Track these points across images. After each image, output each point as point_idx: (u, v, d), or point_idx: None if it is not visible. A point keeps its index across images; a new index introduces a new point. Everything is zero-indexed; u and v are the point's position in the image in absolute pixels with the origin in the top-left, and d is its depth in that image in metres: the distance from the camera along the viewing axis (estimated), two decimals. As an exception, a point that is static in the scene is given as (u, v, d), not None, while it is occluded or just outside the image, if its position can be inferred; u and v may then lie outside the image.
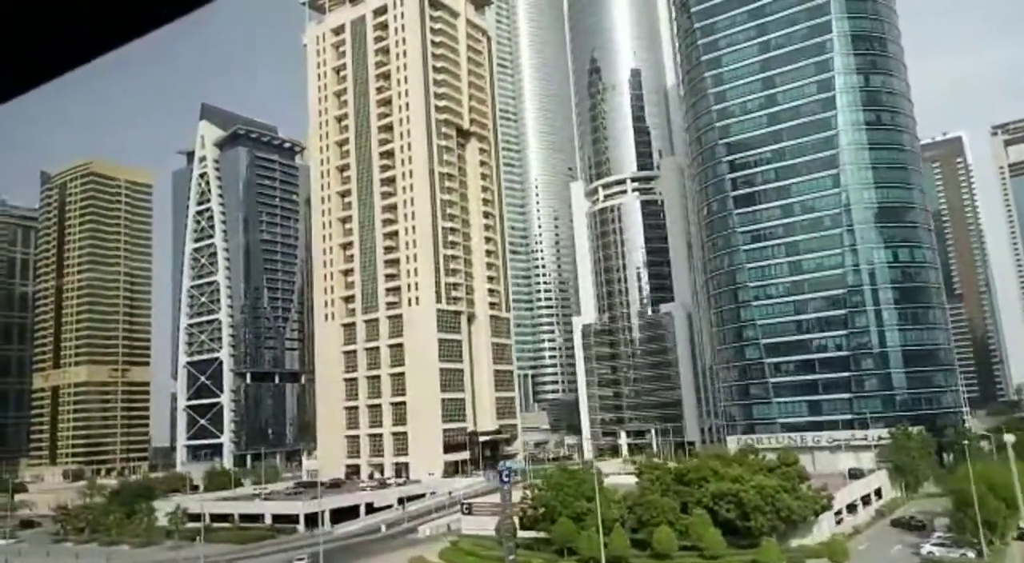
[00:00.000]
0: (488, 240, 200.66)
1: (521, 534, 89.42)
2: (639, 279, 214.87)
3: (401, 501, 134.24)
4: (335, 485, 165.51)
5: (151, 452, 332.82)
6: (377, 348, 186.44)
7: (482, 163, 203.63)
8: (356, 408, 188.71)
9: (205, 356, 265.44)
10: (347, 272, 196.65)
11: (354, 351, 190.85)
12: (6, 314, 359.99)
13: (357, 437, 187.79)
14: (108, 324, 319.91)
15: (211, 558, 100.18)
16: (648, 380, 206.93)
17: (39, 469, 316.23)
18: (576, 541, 77.54)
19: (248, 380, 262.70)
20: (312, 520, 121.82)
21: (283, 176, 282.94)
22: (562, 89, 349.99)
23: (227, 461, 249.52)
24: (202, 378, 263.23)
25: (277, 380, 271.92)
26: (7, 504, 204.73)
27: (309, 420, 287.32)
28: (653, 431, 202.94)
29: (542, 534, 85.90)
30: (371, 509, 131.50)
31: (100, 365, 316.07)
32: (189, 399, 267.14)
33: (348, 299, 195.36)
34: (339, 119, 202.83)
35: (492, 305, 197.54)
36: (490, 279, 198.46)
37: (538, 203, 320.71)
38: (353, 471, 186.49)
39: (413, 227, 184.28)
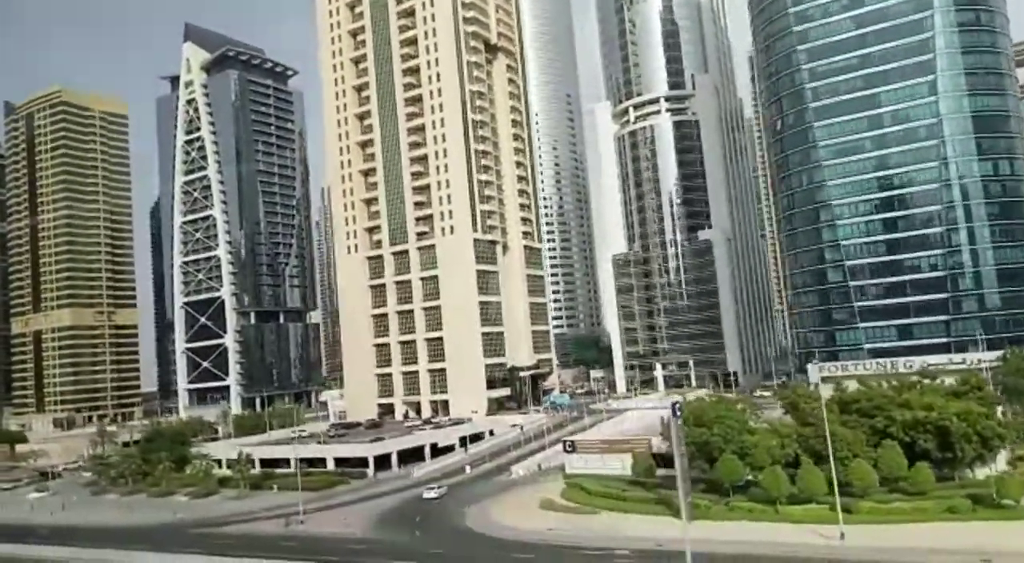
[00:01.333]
0: (519, 165, 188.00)
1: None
2: (672, 205, 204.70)
3: (464, 441, 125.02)
4: (375, 426, 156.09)
5: (142, 397, 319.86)
6: (408, 281, 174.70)
7: (510, 81, 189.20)
8: (387, 345, 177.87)
9: (204, 296, 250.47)
10: (370, 201, 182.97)
11: (382, 285, 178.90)
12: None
13: (389, 375, 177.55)
14: (90, 265, 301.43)
15: (311, 503, 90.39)
16: (686, 310, 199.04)
17: (25, 417, 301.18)
18: (732, 476, 69.30)
19: (252, 320, 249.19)
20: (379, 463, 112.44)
21: (277, 103, 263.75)
22: (560, 10, 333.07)
23: (234, 404, 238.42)
24: (202, 318, 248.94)
25: (281, 319, 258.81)
26: (10, 454, 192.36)
27: (316, 360, 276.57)
28: (691, 363, 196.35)
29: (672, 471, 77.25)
30: (435, 451, 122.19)
31: (84, 308, 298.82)
32: (188, 341, 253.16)
33: (373, 230, 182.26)
34: (354, 34, 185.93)
35: (525, 234, 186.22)
36: (522, 207, 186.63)
37: (538, 131, 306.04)
38: (386, 411, 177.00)
39: (444, 150, 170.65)
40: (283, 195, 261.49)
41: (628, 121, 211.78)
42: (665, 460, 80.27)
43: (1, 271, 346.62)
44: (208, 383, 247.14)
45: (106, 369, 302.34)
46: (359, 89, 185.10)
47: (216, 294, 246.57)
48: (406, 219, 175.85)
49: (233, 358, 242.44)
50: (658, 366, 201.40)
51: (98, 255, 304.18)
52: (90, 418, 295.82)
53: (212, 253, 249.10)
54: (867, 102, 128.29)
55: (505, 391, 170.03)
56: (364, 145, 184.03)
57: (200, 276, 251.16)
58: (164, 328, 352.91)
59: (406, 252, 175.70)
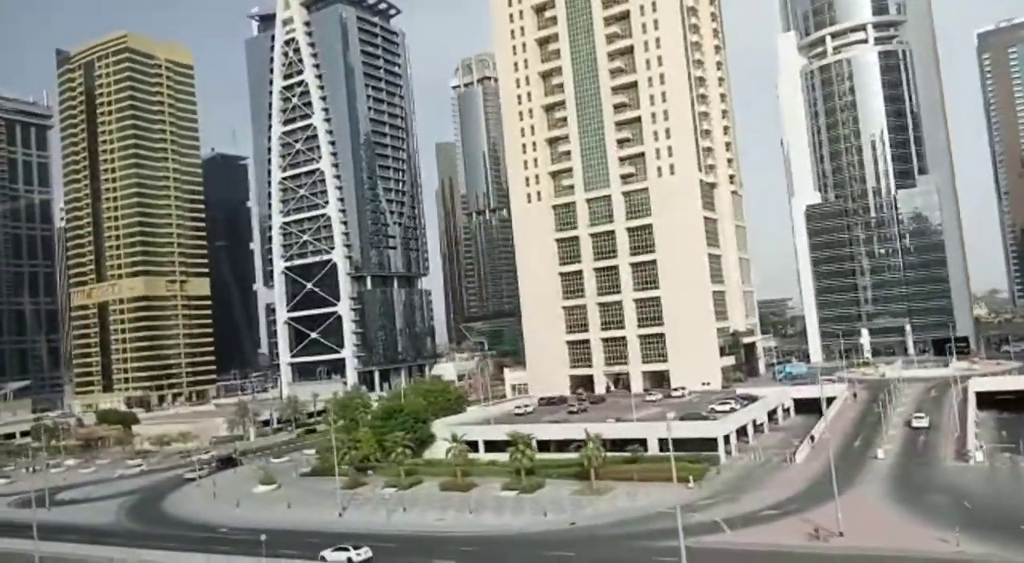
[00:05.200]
0: (722, 97, 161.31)
1: None
2: (875, 149, 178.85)
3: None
4: (598, 401, 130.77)
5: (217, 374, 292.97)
6: (610, 232, 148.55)
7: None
8: (580, 308, 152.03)
9: (310, 259, 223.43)
10: (555, 140, 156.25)
11: (573, 238, 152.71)
12: (15, 226, 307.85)
13: (585, 342, 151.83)
14: (160, 230, 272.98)
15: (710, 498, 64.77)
16: (900, 268, 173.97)
17: (91, 397, 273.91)
18: None
19: (368, 285, 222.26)
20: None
21: (384, 44, 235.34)
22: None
23: (350, 379, 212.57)
24: (308, 284, 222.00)
25: (395, 285, 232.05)
26: (126, 435, 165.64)
27: (427, 330, 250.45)
28: (908, 327, 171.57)
29: None
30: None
31: (156, 277, 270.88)
32: (291, 310, 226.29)
33: (559, 174, 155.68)
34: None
35: (731, 178, 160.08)
36: (727, 146, 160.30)
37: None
38: (580, 383, 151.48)
39: (661, 76, 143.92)
40: (394, 147, 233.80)
41: (822, 53, 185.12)
42: None
43: (49, 241, 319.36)
44: (316, 356, 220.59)
45: (179, 343, 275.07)
46: (539, 9, 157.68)
47: (326, 257, 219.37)
48: (606, 159, 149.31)
49: (349, 328, 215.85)
50: (864, 332, 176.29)
51: (169, 219, 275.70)
52: (162, 398, 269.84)
53: (319, 211, 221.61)
54: None
55: (729, 360, 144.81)
56: (547, 75, 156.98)
57: (305, 237, 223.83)
58: (246, 298, 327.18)
59: (607, 198, 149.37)
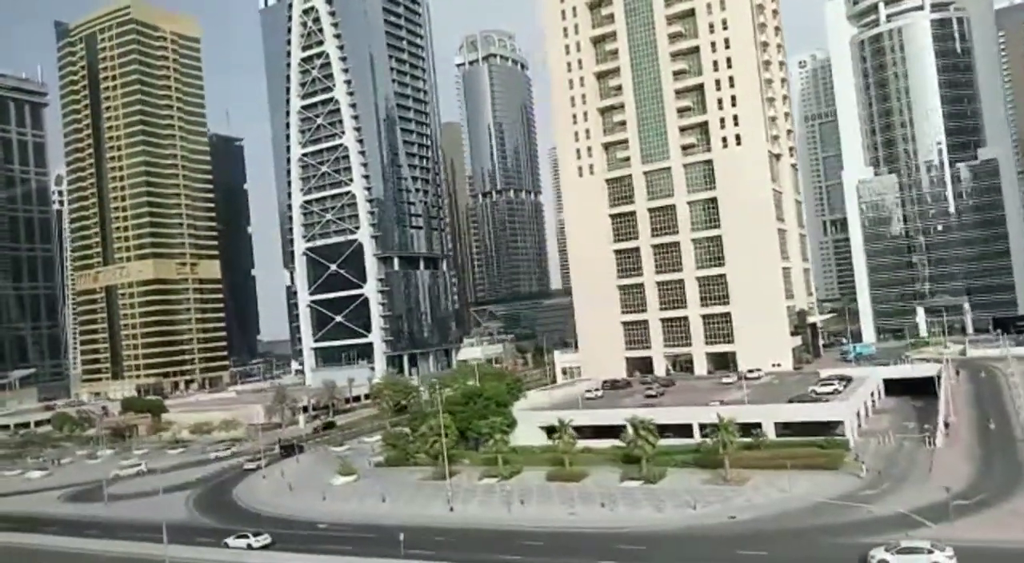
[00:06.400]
0: (781, 65, 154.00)
1: None
2: (929, 122, 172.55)
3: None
4: (668, 384, 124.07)
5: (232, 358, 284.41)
6: (671, 207, 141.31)
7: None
8: (637, 286, 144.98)
9: (332, 239, 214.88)
10: (608, 110, 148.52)
11: (630, 213, 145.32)
12: (11, 208, 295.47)
13: (642, 323, 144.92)
14: (169, 210, 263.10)
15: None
16: (958, 244, 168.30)
17: (99, 385, 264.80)
18: None
19: (396, 266, 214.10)
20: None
21: (407, 13, 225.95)
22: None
23: (379, 365, 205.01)
24: (332, 266, 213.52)
25: (421, 266, 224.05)
26: (154, 425, 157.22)
27: (453, 313, 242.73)
28: (967, 305, 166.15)
29: None
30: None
31: (166, 259, 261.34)
32: (313, 293, 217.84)
33: (613, 145, 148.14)
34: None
35: (791, 150, 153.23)
36: (785, 116, 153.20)
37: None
38: (638, 366, 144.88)
39: (726, 40, 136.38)
40: (418, 122, 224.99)
41: (875, 21, 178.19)
42: None
43: (48, 224, 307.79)
44: (341, 341, 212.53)
45: (192, 328, 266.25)
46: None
47: (352, 237, 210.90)
48: (665, 129, 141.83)
49: (376, 311, 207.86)
50: (920, 311, 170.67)
51: (177, 199, 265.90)
52: (176, 384, 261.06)
53: (343, 189, 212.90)
54: None
55: (797, 341, 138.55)
56: (599, 40, 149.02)
57: (328, 216, 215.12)
58: (245, 283, 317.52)
59: (666, 170, 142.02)
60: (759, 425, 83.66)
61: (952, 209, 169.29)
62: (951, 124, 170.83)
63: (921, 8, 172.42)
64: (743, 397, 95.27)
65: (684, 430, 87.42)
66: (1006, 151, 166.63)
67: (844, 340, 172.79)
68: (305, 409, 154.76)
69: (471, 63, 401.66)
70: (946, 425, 79.33)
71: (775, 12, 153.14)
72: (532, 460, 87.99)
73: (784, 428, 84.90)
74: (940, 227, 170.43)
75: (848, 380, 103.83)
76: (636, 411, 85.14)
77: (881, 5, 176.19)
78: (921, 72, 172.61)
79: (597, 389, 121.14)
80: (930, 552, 45.33)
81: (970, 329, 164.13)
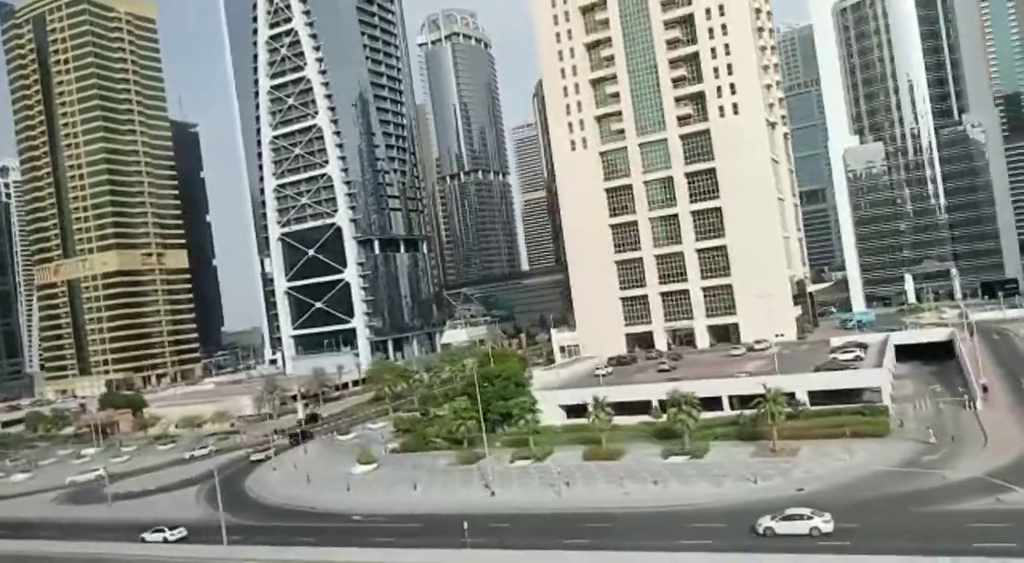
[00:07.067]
0: (770, 31, 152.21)
1: None
2: (912, 89, 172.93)
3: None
4: (676, 358, 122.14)
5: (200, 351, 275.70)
6: (668, 179, 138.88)
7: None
8: (636, 261, 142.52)
9: (309, 224, 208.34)
10: (600, 81, 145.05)
11: (626, 187, 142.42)
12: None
13: (641, 298, 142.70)
14: (131, 199, 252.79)
15: None
16: (944, 210, 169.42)
17: (65, 382, 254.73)
18: None
19: (376, 249, 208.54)
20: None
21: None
22: None
23: (363, 351, 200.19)
24: (310, 251, 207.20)
25: (401, 249, 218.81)
26: (136, 421, 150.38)
27: (432, 296, 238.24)
28: (954, 271, 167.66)
29: None
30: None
31: (130, 250, 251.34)
32: (291, 279, 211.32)
33: (606, 118, 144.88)
34: None
35: (783, 118, 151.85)
36: (776, 84, 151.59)
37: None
38: (638, 341, 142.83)
39: (720, 7, 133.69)
40: (393, 101, 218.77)
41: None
42: None
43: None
44: (321, 328, 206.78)
45: (161, 320, 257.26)
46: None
47: (329, 221, 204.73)
48: (660, 99, 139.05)
49: (358, 296, 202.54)
50: (907, 277, 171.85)
51: (140, 188, 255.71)
52: (147, 379, 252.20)
53: (318, 172, 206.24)
54: None
55: (798, 311, 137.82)
56: (590, 9, 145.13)
57: (304, 199, 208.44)
58: (207, 274, 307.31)
59: (662, 142, 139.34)
60: (792, 395, 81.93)
61: (938, 175, 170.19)
62: (934, 91, 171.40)
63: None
64: (766, 367, 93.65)
65: (711, 403, 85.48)
66: (990, 116, 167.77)
67: (833, 309, 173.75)
68: (295, 398, 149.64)
69: (434, 43, 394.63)
70: (984, 388, 78.39)
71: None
72: (557, 439, 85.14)
73: (810, 397, 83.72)
74: (926, 194, 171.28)
75: (864, 347, 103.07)
76: (670, 385, 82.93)
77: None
78: (903, 39, 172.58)
79: (606, 366, 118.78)
80: (810, 518, 48.42)
81: (958, 294, 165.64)
